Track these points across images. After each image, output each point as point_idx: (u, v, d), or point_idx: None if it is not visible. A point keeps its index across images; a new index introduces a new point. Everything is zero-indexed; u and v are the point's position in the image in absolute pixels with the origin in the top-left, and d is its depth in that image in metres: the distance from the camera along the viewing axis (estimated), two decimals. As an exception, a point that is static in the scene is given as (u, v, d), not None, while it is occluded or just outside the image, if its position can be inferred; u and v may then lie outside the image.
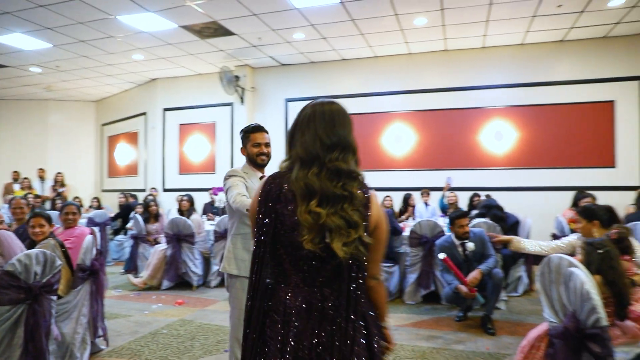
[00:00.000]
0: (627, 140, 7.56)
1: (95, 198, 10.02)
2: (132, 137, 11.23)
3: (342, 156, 1.43)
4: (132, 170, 11.27)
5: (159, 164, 10.39)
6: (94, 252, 3.86)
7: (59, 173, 10.41)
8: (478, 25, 7.25)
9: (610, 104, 7.64)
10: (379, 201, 1.56)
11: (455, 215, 4.45)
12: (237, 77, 9.13)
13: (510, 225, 5.52)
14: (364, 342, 1.39)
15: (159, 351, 3.92)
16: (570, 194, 6.72)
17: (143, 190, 10.51)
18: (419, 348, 3.94)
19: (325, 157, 1.41)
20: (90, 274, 3.72)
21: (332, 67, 9.22)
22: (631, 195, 6.97)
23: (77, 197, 9.82)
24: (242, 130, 2.90)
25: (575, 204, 6.47)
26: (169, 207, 9.18)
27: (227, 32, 7.55)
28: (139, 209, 7.65)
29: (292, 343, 1.37)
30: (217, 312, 5.10)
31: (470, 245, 4.36)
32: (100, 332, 3.85)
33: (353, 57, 9.01)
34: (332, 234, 1.36)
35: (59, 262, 3.14)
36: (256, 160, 2.82)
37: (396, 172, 8.77)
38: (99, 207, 9.40)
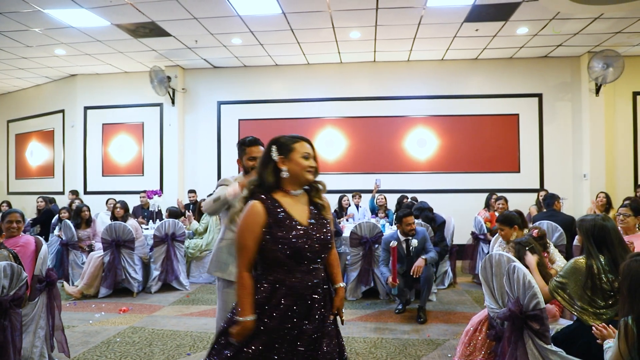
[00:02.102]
0: (529, 148, 8.72)
1: (5, 202, 9.22)
2: (47, 136, 10.45)
3: None
4: (47, 172, 10.49)
5: (80, 165, 9.81)
6: (48, 262, 3.74)
7: (-41, 174, 9.42)
8: (406, 41, 7.89)
9: (515, 116, 8.74)
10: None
11: (402, 215, 4.95)
12: (169, 78, 8.96)
13: (438, 225, 6.16)
14: None
15: None
16: (483, 196, 7.62)
17: (61, 193, 9.87)
18: (369, 339, 4.34)
19: None
20: (47, 285, 3.61)
21: (265, 72, 9.39)
22: (533, 197, 8.07)
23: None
24: (239, 142, 3.04)
25: (487, 205, 7.36)
26: (93, 211, 8.73)
27: (163, 33, 7.42)
28: (64, 214, 7.24)
29: None
30: (168, 317, 5.10)
31: (414, 242, 4.89)
32: (54, 344, 3.73)
33: (286, 64, 9.26)
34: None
35: (25, 274, 3.05)
36: (251, 173, 2.94)
37: (328, 175, 9.17)
38: (12, 212, 8.66)
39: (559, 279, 2.78)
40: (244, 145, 3.01)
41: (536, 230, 3.81)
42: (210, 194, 3.17)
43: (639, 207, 4.22)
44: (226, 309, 2.91)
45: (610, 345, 2.09)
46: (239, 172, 3.31)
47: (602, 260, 2.71)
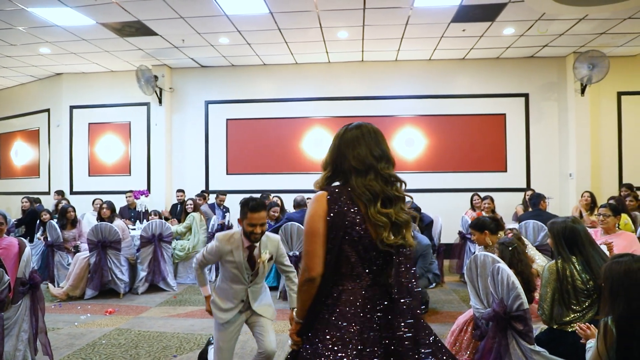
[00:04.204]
0: (515, 148, 8.79)
1: (-11, 202, 9.09)
2: (32, 135, 10.31)
3: (387, 166, 1.71)
4: (32, 172, 10.34)
5: (66, 164, 9.69)
6: (31, 264, 3.69)
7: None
8: (393, 41, 7.91)
9: (502, 116, 8.81)
10: None
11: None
12: (156, 77, 8.87)
13: (426, 224, 6.19)
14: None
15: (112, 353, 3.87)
16: (470, 195, 7.67)
17: (47, 193, 9.74)
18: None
19: (377, 165, 1.68)
20: (30, 288, 3.56)
21: (252, 71, 9.35)
22: (519, 196, 8.14)
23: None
24: (242, 203, 2.95)
25: (471, 205, 7.43)
26: (79, 211, 8.63)
27: (150, 32, 7.36)
28: (46, 215, 7.15)
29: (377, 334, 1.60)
30: (154, 319, 5.07)
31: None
32: (38, 347, 3.68)
33: (274, 63, 9.23)
34: (403, 229, 1.64)
35: (7, 277, 3.01)
36: (250, 237, 2.92)
37: (317, 175, 9.14)
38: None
39: (541, 303, 2.82)
40: (247, 208, 2.87)
41: (511, 234, 3.85)
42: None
43: (618, 208, 4.29)
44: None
45: (592, 345, 2.12)
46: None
47: (574, 261, 2.77)
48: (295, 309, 1.75)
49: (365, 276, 1.65)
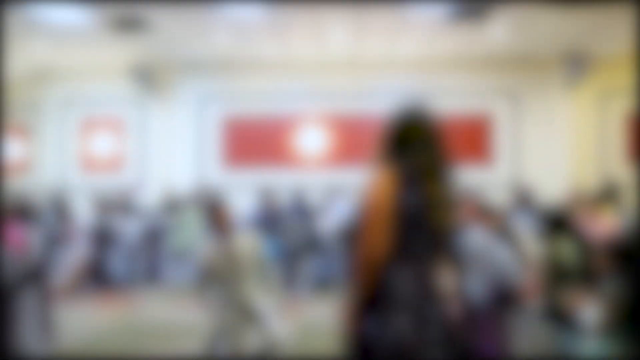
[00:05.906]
0: (504, 147, 9.04)
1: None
2: (25, 131, 10.23)
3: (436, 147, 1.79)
4: (24, 168, 10.26)
5: (58, 161, 9.69)
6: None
7: None
8: (387, 40, 8.12)
9: (491, 115, 9.08)
10: None
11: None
12: (151, 74, 8.90)
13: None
14: None
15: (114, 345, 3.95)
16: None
17: (39, 189, 9.66)
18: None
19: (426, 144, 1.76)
20: (40, 278, 3.63)
21: (248, 68, 9.41)
22: (508, 194, 8.34)
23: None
24: (208, 206, 3.12)
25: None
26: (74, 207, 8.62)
27: (146, 28, 7.41)
28: (39, 210, 7.16)
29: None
30: (158, 311, 5.18)
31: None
32: (48, 335, 3.75)
33: (270, 59, 9.28)
34: (449, 211, 1.69)
35: (19, 264, 3.08)
36: (222, 231, 3.08)
37: (314, 171, 9.27)
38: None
39: (540, 285, 2.98)
40: (212, 206, 3.14)
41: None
42: None
43: (601, 197, 4.56)
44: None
45: (589, 314, 2.28)
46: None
47: (564, 244, 2.95)
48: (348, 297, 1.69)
49: (425, 260, 1.64)
